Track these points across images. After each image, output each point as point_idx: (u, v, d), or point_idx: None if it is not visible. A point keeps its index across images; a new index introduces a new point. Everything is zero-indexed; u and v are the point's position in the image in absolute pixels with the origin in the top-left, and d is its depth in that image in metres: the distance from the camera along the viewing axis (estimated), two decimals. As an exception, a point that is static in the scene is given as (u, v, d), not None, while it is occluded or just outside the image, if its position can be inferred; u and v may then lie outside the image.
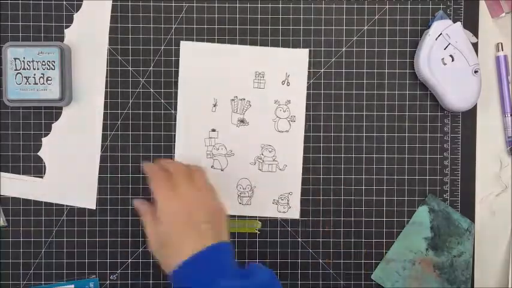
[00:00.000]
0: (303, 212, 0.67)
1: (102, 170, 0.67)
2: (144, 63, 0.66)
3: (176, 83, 0.66)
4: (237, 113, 0.64)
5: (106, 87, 0.67)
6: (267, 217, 0.66)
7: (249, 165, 0.64)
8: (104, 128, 0.66)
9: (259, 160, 0.64)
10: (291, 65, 0.64)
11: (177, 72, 0.66)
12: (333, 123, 0.67)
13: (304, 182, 0.67)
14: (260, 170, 0.64)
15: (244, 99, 0.64)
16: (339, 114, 0.67)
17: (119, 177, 0.67)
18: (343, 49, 0.67)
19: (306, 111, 0.66)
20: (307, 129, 0.67)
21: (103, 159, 0.67)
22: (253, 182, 0.65)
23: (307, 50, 0.65)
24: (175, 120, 0.66)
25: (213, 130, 0.64)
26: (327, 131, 0.67)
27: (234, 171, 0.64)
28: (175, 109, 0.66)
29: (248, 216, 0.67)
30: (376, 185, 0.67)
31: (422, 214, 0.67)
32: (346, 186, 0.67)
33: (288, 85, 0.64)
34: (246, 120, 0.64)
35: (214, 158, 0.65)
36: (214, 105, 0.64)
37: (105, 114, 0.67)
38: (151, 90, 0.66)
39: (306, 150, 0.67)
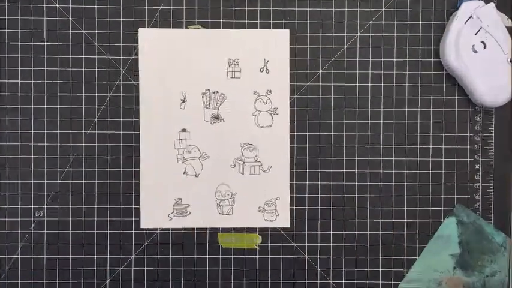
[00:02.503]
0: (298, 223, 0.58)
1: (74, 175, 0.57)
2: (125, 50, 0.58)
3: (162, 73, 0.57)
4: (210, 109, 0.57)
5: (80, 79, 0.57)
6: (254, 227, 0.58)
7: (228, 168, 0.57)
8: (78, 127, 0.58)
9: (239, 162, 0.57)
10: (269, 49, 0.57)
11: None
12: (345, 121, 0.58)
13: (311, 188, 0.58)
14: (241, 173, 0.57)
15: (217, 92, 0.57)
16: (352, 110, 0.58)
17: (95, 184, 0.58)
18: (357, 34, 0.58)
19: (314, 106, 0.58)
20: (315, 128, 0.58)
21: (77, 162, 0.57)
22: (233, 187, 0.57)
23: (287, 30, 0.57)
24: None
25: (183, 130, 0.57)
26: (338, 130, 0.58)
27: (210, 176, 0.57)
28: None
29: (233, 228, 0.58)
30: (396, 193, 0.58)
31: (449, 227, 0.59)
32: (361, 194, 0.58)
33: (267, 72, 0.57)
34: (221, 116, 0.57)
35: (186, 163, 0.57)
36: (183, 101, 0.57)
37: (79, 110, 0.57)
38: (133, 82, 0.58)
39: (313, 152, 0.58)
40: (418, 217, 0.59)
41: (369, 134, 0.58)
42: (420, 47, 0.58)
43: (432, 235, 0.59)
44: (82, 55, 0.57)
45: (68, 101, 0.58)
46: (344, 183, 0.58)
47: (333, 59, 0.58)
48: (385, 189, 0.58)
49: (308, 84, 0.58)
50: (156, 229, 0.58)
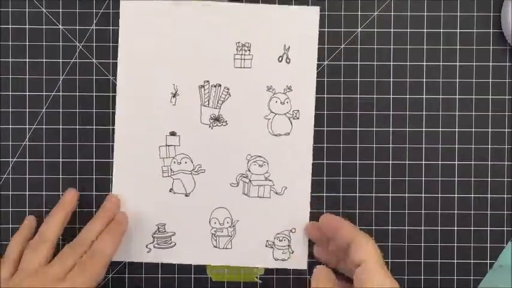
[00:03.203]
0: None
1: (15, 184, 0.44)
2: (83, 19, 0.44)
3: (131, 48, 0.43)
4: (208, 107, 0.45)
5: (22, 56, 0.43)
6: (258, 267, 0.46)
7: (229, 187, 0.46)
8: (20, 120, 0.44)
9: (244, 179, 0.46)
10: (292, 31, 0.45)
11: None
12: (376, 112, 0.45)
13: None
14: (246, 194, 0.46)
15: (219, 85, 0.46)
16: (385, 98, 0.44)
17: (42, 196, 0.45)
18: (392, -3, 0.44)
19: (332, 93, 0.45)
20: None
21: (18, 166, 0.44)
22: (235, 213, 0.46)
23: (317, 7, 0.45)
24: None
25: (172, 133, 0.46)
26: (365, 124, 0.45)
27: (205, 197, 0.46)
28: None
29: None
30: (443, 208, 0.45)
31: (514, 253, 0.46)
32: (395, 209, 0.45)
33: (287, 62, 0.45)
34: (223, 118, 0.45)
35: (174, 177, 0.46)
36: (174, 96, 0.45)
37: (21, 99, 0.43)
38: (94, 60, 0.45)
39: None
40: (472, 240, 0.45)
41: (407, 129, 0.44)
42: (475, 14, 0.45)
43: (491, 264, 0.45)
44: (26, 25, 0.44)
45: (6, 86, 0.44)
46: (374, 194, 0.44)
47: (359, 30, 0.44)
48: (428, 203, 0.45)
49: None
50: (123, 262, 0.44)
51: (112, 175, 0.44)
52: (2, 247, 0.44)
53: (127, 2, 0.44)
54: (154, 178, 0.45)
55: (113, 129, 0.44)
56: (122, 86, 0.44)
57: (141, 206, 0.45)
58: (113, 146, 0.44)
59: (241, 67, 0.45)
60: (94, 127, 0.44)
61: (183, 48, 0.45)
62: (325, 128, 0.44)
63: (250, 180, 0.46)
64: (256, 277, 0.45)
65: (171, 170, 0.45)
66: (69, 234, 0.44)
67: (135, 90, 0.45)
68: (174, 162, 0.45)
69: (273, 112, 0.46)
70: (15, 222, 0.44)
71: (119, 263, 0.44)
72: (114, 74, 0.44)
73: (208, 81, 0.46)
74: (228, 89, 0.46)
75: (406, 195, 0.44)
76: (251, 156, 0.46)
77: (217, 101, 0.46)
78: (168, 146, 0.46)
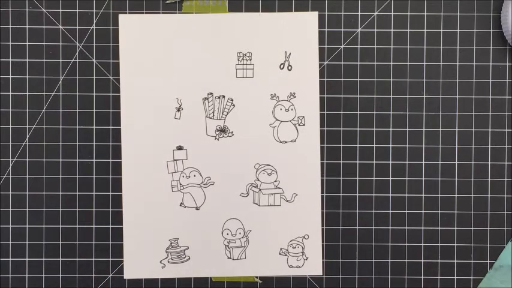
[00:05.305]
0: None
1: (16, 185, 0.44)
2: (83, 19, 0.44)
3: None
4: (213, 119, 0.45)
5: (22, 56, 0.43)
6: (276, 276, 0.45)
7: (239, 197, 0.46)
8: (21, 121, 0.44)
9: (253, 189, 0.45)
10: (291, 37, 0.45)
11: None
12: (376, 112, 0.44)
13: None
14: (256, 204, 0.46)
15: (223, 96, 0.45)
16: (385, 98, 0.44)
17: (43, 195, 0.44)
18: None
19: (332, 93, 0.44)
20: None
21: (18, 166, 0.44)
22: (247, 223, 0.45)
23: (315, 12, 0.44)
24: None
25: (179, 148, 0.45)
26: (365, 124, 0.45)
27: (216, 209, 0.46)
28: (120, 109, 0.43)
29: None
30: (443, 208, 0.45)
31: (514, 253, 0.46)
32: (395, 209, 0.45)
33: (289, 69, 0.45)
34: (228, 129, 0.45)
35: (183, 191, 0.45)
36: (178, 110, 0.45)
37: (21, 99, 0.43)
38: (94, 60, 0.45)
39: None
40: (472, 240, 0.45)
41: (407, 129, 0.44)
42: (475, 14, 0.45)
43: (491, 264, 0.45)
44: (26, 25, 0.44)
45: (6, 86, 0.44)
46: (374, 194, 0.44)
47: (359, 30, 0.44)
48: (428, 203, 0.44)
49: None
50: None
51: (122, 192, 0.44)
52: (2, 247, 0.44)
53: (126, 16, 0.44)
54: (164, 193, 0.45)
55: (113, 129, 0.44)
56: (126, 104, 0.44)
57: (152, 222, 0.45)
58: (112, 146, 0.44)
59: (243, 77, 0.45)
60: (94, 127, 0.44)
61: (184, 61, 0.45)
62: (325, 128, 0.44)
63: (260, 189, 0.45)
64: (256, 277, 0.45)
65: (180, 184, 0.45)
66: (69, 234, 0.44)
67: (140, 107, 0.44)
68: (183, 176, 0.45)
69: (278, 120, 0.45)
70: (15, 222, 0.44)
71: (118, 263, 0.44)
72: (114, 74, 0.44)
73: (211, 93, 0.45)
74: (232, 99, 0.45)
75: (406, 195, 0.44)
76: (259, 165, 0.45)
77: (222, 112, 0.45)
78: (176, 160, 0.45)
